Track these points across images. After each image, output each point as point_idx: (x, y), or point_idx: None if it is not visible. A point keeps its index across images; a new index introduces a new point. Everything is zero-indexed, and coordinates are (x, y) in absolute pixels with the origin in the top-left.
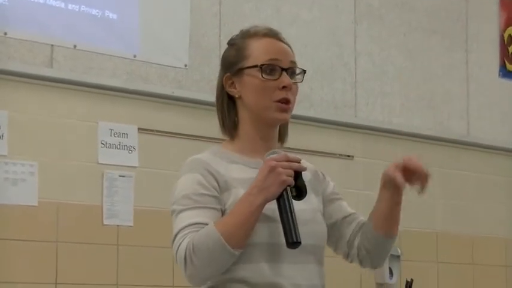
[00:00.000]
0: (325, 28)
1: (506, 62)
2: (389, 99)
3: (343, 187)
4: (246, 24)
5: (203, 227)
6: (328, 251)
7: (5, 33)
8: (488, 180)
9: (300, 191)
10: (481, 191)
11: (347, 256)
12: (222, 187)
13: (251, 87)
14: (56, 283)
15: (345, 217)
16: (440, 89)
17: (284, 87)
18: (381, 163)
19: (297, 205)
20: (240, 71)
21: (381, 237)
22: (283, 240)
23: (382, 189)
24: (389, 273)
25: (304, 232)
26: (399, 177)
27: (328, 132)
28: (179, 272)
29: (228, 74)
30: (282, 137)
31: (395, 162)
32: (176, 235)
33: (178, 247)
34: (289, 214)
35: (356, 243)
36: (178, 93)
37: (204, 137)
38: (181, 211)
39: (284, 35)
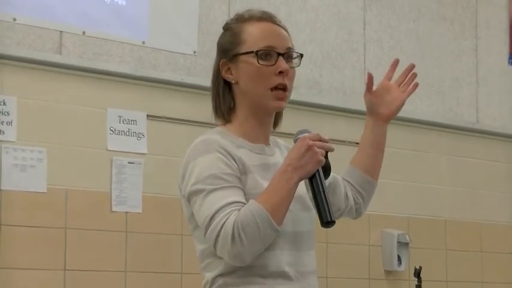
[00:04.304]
0: (335, 14)
1: None
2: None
3: None
4: None
5: (243, 206)
6: (337, 239)
7: (14, 19)
8: (497, 168)
9: (325, 171)
10: (489, 178)
11: (341, 213)
12: (240, 169)
13: (247, 74)
14: (64, 269)
15: (330, 182)
16: (449, 76)
17: (281, 72)
18: (390, 150)
19: (301, 190)
20: (235, 57)
21: (373, 181)
22: (297, 228)
23: (366, 127)
24: (398, 261)
25: (307, 218)
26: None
27: (337, 119)
28: (188, 258)
29: (224, 59)
30: (276, 122)
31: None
32: (215, 214)
33: (223, 225)
34: (322, 194)
35: (350, 194)
36: (187, 79)
37: (213, 124)
38: (213, 190)
39: (293, 21)
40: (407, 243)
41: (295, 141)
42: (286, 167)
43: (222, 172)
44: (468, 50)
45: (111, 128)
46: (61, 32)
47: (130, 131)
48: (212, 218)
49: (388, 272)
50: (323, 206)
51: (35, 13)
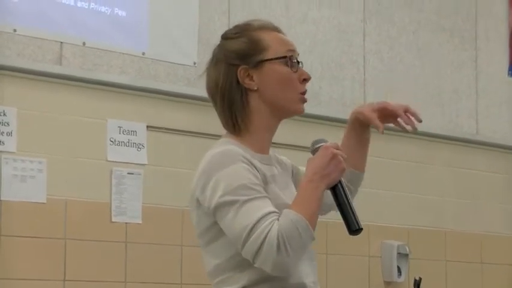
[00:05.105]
0: (334, 26)
1: None
2: (398, 98)
3: None
4: None
5: (278, 216)
6: (336, 249)
7: (15, 30)
8: (497, 179)
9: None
10: (489, 189)
11: (330, 207)
12: (262, 179)
13: (276, 79)
14: (64, 280)
15: None
16: (449, 87)
17: (304, 79)
18: (390, 161)
19: None
20: (260, 63)
21: (359, 173)
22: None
23: (350, 130)
24: (398, 272)
25: None
26: (376, 119)
27: (337, 130)
28: (187, 269)
29: (245, 66)
30: None
31: (370, 104)
32: (256, 224)
33: (267, 235)
34: (346, 202)
35: None
36: (187, 90)
37: (213, 135)
38: (247, 201)
39: (293, 32)
40: (407, 254)
41: (313, 151)
42: (312, 176)
43: (251, 182)
44: (468, 62)
45: (111, 139)
46: (61, 42)
47: (130, 141)
48: (253, 228)
49: (388, 283)
50: (349, 214)
51: (35, 24)
